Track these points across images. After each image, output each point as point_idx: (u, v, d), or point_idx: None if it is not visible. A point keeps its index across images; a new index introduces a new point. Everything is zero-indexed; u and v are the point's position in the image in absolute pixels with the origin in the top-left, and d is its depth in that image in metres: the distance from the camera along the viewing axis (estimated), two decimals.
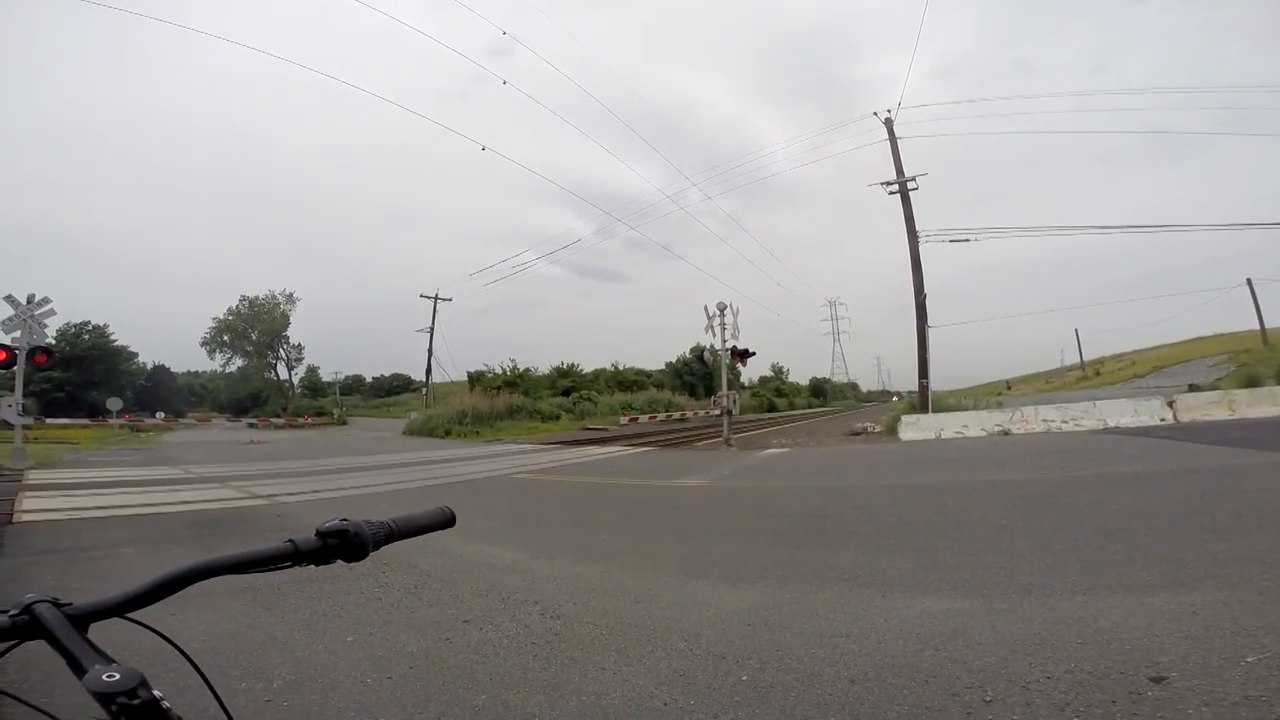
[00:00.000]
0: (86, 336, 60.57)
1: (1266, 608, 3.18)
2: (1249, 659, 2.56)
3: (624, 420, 36.69)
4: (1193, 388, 24.50)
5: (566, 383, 44.57)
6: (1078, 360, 69.36)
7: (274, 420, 54.18)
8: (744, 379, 54.28)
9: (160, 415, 51.34)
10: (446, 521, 0.96)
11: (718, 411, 20.65)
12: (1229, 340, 47.71)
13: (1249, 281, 40.39)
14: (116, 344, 63.32)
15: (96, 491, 10.43)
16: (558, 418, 35.56)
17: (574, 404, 39.55)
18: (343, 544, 0.80)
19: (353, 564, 0.82)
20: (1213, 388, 21.64)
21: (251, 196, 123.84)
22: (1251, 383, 18.62)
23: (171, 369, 73.02)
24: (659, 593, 4.36)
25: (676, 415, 42.33)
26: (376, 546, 0.83)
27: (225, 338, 70.18)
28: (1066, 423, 16.80)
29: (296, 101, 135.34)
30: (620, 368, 53.96)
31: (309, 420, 55.12)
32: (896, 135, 22.49)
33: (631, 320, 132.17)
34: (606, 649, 3.31)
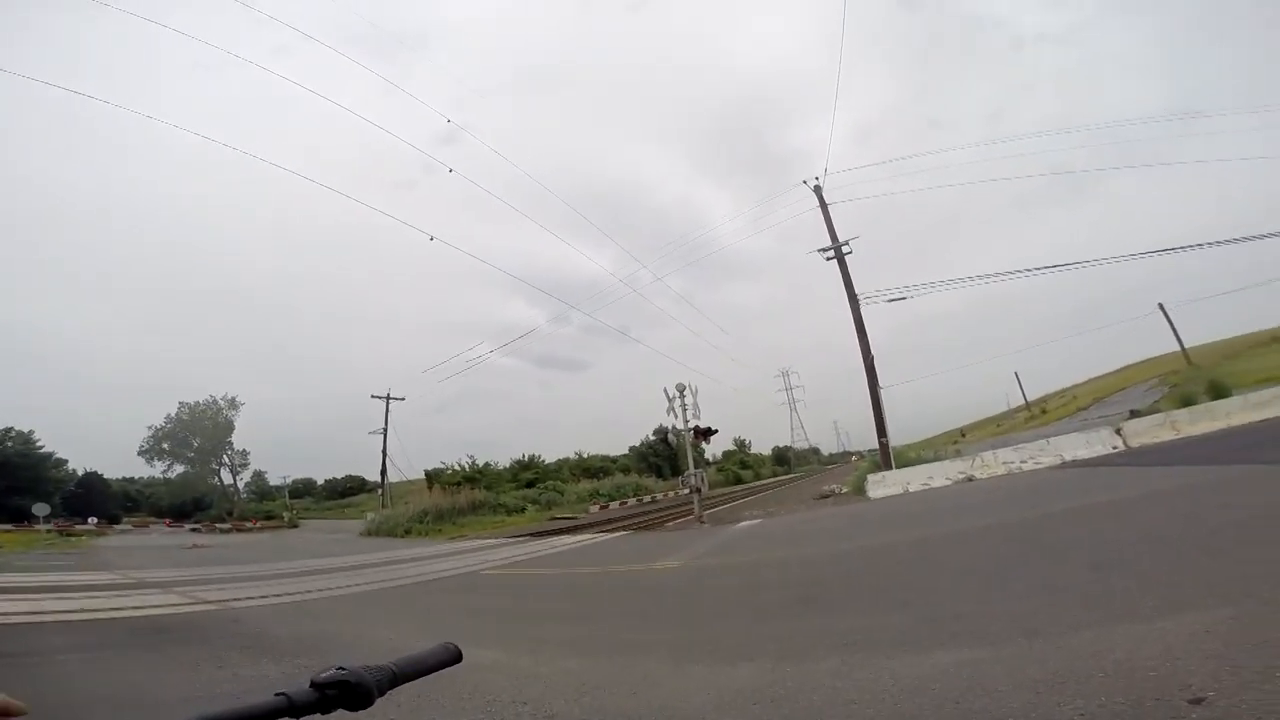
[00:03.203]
0: (10, 444, 56.64)
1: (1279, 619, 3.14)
2: None
3: (594, 508, 35.79)
4: (1134, 413, 25.54)
5: (529, 475, 43.57)
6: (1022, 401, 72.04)
7: (219, 525, 50.51)
8: (709, 455, 54.24)
9: (93, 520, 47.35)
10: (452, 659, 0.90)
11: (687, 490, 20.35)
12: (1156, 364, 50.45)
13: (1161, 306, 43.15)
14: (43, 450, 59.22)
15: (25, 596, 9.61)
16: (523, 510, 34.46)
17: (539, 495, 38.52)
18: (342, 694, 0.73)
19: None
20: (1152, 411, 22.61)
21: (191, 293, 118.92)
22: (1187, 402, 19.49)
23: (105, 475, 67.64)
24: (656, 681, 4.05)
25: (646, 498, 41.59)
26: (382, 692, 0.77)
27: (165, 446, 66.52)
28: (1025, 462, 17.13)
29: (241, 192, 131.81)
30: (585, 455, 53.34)
31: (257, 524, 51.59)
32: (827, 201, 23.63)
33: (593, 408, 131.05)
34: None
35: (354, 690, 0.73)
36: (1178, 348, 43.65)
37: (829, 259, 23.21)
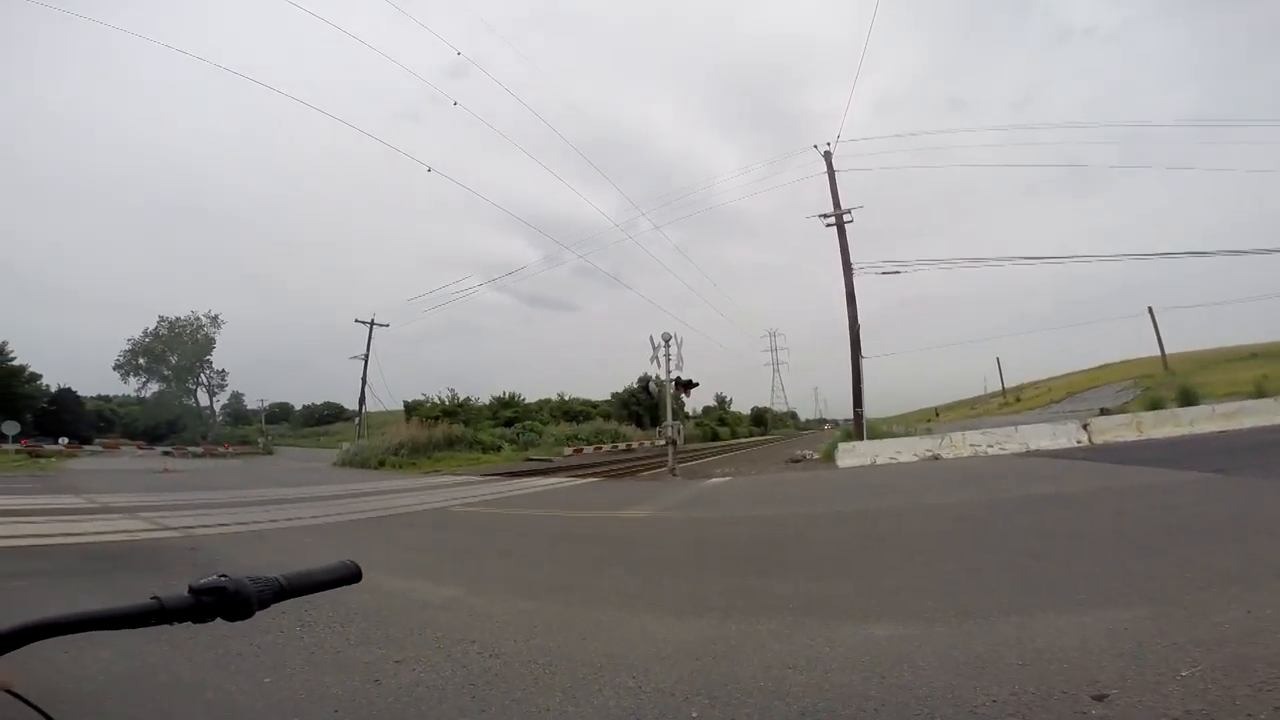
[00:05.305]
0: None
1: (1192, 622, 3.30)
2: (1183, 674, 2.62)
3: (569, 451, 36.24)
4: (1104, 411, 26.15)
5: (509, 413, 43.81)
6: (1000, 387, 73.24)
7: (191, 449, 50.36)
8: (688, 409, 54.76)
9: (63, 441, 47.02)
10: (350, 577, 0.88)
11: (663, 441, 20.63)
12: (1134, 366, 51.35)
13: (1150, 310, 43.77)
14: (15, 363, 57.62)
15: None
16: (499, 449, 34.83)
17: (517, 435, 38.85)
18: (220, 602, 0.71)
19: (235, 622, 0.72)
20: (1121, 411, 23.15)
21: (177, 210, 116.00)
22: (1155, 406, 20.01)
23: (79, 393, 66.40)
24: (606, 628, 4.21)
25: (623, 446, 42.11)
26: (264, 605, 0.74)
27: (141, 361, 65.52)
28: (992, 447, 17.52)
29: (233, 114, 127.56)
30: (566, 398, 53.59)
31: (231, 449, 51.77)
32: (835, 169, 23.31)
33: (579, 350, 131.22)
34: (551, 689, 3.14)
35: (231, 599, 0.71)
36: (1158, 352, 44.43)
37: (829, 225, 23.05)
